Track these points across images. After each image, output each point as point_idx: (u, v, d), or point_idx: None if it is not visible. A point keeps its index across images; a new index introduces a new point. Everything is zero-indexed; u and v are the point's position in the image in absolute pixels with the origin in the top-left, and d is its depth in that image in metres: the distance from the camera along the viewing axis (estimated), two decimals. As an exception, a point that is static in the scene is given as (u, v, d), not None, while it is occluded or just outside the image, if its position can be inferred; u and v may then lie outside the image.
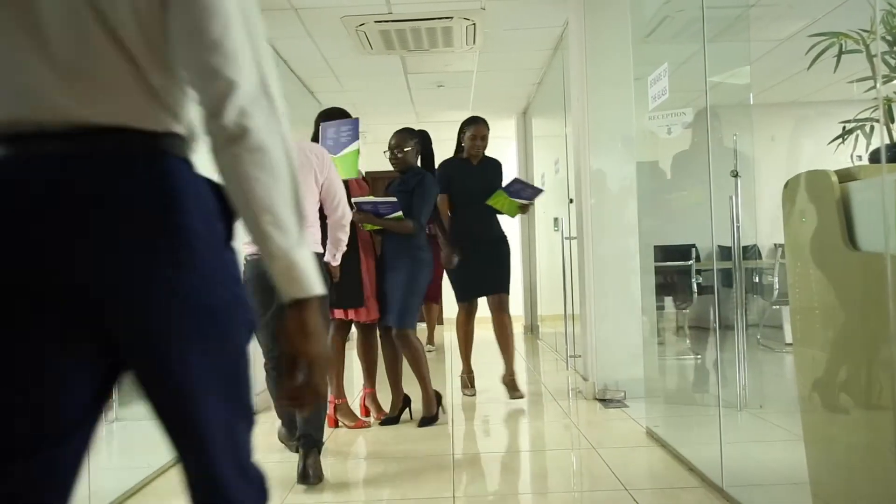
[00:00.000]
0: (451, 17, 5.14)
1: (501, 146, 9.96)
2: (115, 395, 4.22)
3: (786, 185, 2.23)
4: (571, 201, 5.37)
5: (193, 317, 0.98)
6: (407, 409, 4.04)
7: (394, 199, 3.81)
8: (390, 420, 4.00)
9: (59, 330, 0.96)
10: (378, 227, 3.88)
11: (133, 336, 0.98)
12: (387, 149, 4.03)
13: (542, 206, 7.61)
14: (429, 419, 3.93)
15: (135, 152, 0.98)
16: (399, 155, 3.99)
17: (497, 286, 4.65)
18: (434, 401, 3.98)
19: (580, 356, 5.00)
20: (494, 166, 4.79)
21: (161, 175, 0.98)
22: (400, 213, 3.79)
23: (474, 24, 5.29)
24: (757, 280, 6.28)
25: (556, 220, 6.43)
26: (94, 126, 0.96)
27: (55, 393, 0.97)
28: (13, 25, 0.95)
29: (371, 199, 3.85)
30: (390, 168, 4.07)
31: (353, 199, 3.83)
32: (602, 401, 4.37)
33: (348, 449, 3.69)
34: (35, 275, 0.94)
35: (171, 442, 1.04)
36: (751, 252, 6.62)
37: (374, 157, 8.61)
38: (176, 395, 1.00)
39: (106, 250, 0.94)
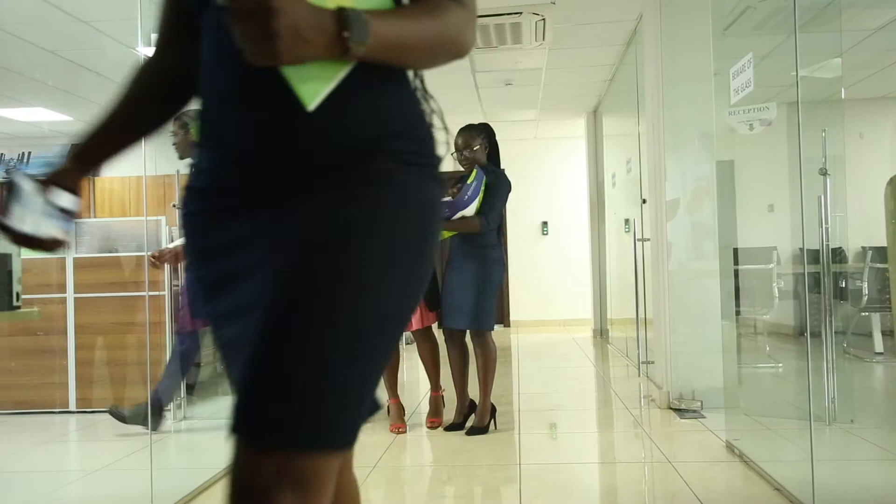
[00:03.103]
0: (520, 13, 5.02)
1: (571, 146, 9.81)
2: (184, 395, 4.27)
3: (890, 182, 2.04)
4: (644, 202, 5.18)
5: None
6: (472, 414, 3.93)
7: (447, 198, 3.68)
8: (455, 426, 3.89)
9: None
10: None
11: None
12: (453, 150, 3.91)
13: (613, 207, 7.42)
14: (479, 429, 3.81)
15: None
16: (468, 155, 3.84)
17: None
18: (489, 412, 3.86)
19: (653, 362, 4.80)
20: None
21: None
22: (464, 213, 3.67)
23: (544, 19, 5.15)
24: (843, 285, 5.94)
25: (626, 221, 6.23)
26: None
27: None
28: None
29: None
30: (456, 168, 3.95)
31: None
32: (677, 410, 4.17)
33: (411, 455, 3.61)
34: None
35: None
36: (837, 255, 6.30)
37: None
38: None
39: None
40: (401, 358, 4.10)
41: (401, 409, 4.00)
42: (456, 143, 3.86)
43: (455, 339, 3.91)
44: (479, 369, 3.83)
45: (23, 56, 5.52)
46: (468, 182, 3.67)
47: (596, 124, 8.54)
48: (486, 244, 3.77)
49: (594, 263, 8.64)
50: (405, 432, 3.87)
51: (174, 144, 3.80)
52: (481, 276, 3.73)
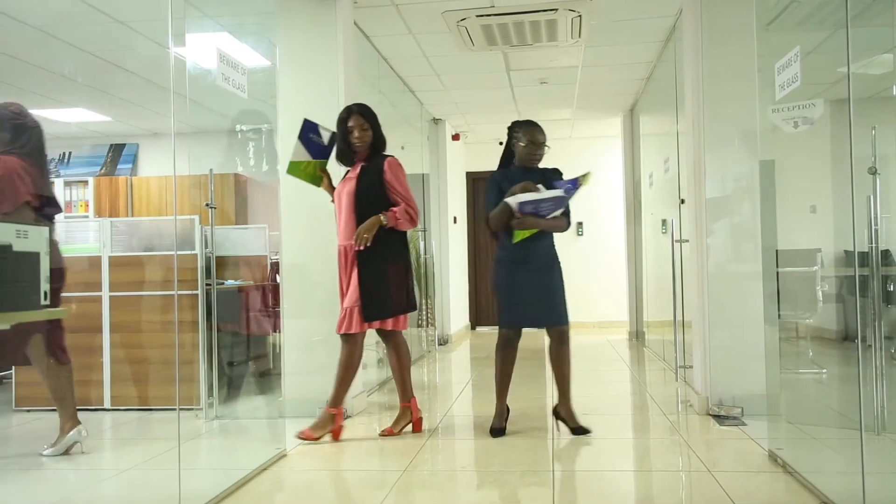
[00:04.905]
0: (556, 9, 4.93)
1: (607, 145, 9.67)
2: (215, 395, 4.27)
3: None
4: (683, 202, 5.06)
5: None
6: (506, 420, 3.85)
7: (558, 192, 3.56)
8: (498, 431, 3.81)
9: None
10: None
11: None
12: (527, 142, 3.72)
13: (650, 208, 7.28)
14: (583, 430, 3.81)
15: None
16: (543, 152, 3.79)
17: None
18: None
19: (691, 367, 4.68)
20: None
21: None
22: (559, 212, 3.65)
23: (580, 15, 5.06)
24: (891, 288, 5.74)
25: (664, 221, 6.10)
26: None
27: None
28: None
29: (532, 196, 3.54)
30: (490, 168, 3.87)
31: (513, 200, 3.53)
32: (716, 417, 4.05)
33: (443, 458, 3.56)
34: None
35: None
36: (885, 257, 6.09)
37: (478, 157, 8.46)
38: None
39: None
40: (359, 367, 3.87)
41: (329, 420, 3.72)
42: (538, 139, 3.75)
43: (516, 344, 3.88)
44: (565, 367, 3.91)
45: (62, 57, 5.59)
46: (561, 179, 3.69)
47: (633, 123, 8.41)
48: (554, 244, 3.83)
49: (630, 265, 8.50)
50: (313, 440, 3.67)
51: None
52: (560, 275, 3.81)
